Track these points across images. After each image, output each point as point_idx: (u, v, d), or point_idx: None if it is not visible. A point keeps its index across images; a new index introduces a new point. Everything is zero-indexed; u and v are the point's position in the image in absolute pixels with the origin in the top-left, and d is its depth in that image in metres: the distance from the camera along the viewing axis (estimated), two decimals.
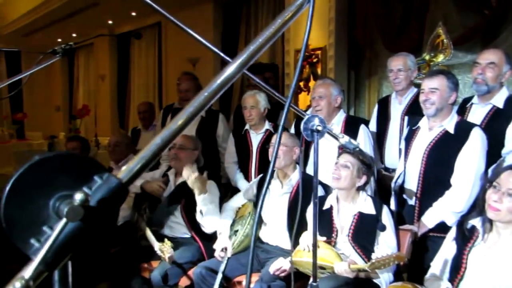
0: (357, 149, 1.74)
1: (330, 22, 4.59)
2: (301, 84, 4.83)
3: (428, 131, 2.36)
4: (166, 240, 2.62)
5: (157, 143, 0.56)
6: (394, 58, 2.98)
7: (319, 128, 1.41)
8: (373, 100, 4.46)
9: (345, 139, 1.56)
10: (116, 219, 0.53)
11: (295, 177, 2.60)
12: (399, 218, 2.48)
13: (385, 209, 2.20)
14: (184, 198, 2.87)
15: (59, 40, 8.77)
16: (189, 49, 6.14)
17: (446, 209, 2.21)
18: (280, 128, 0.77)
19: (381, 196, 2.60)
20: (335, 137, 1.60)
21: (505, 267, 1.61)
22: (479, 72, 2.47)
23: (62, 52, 2.03)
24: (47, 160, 0.50)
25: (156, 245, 2.63)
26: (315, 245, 1.46)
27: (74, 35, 8.53)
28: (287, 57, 5.06)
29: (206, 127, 3.58)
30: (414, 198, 2.38)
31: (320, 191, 2.52)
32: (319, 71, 4.67)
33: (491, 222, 1.69)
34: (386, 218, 2.17)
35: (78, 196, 0.47)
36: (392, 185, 2.54)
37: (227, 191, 3.52)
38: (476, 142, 2.20)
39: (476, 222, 1.76)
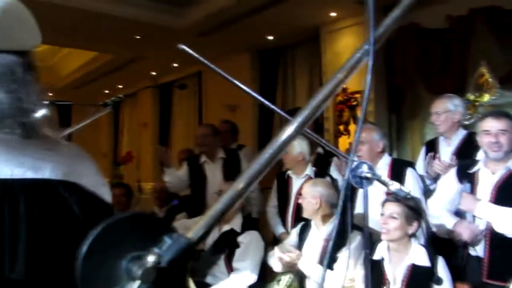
0: (409, 196, 1.68)
1: (367, 65, 4.60)
2: (341, 127, 4.81)
3: (491, 174, 2.25)
4: None
5: (223, 202, 0.55)
6: (435, 101, 2.95)
7: (368, 175, 1.36)
8: (416, 142, 4.36)
9: (395, 186, 1.51)
10: (185, 279, 0.52)
11: (332, 224, 2.54)
12: (459, 272, 2.31)
13: (440, 261, 2.08)
14: (228, 248, 2.84)
15: (107, 91, 9.25)
16: (228, 96, 6.30)
17: None
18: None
19: (435, 246, 2.46)
20: (385, 184, 1.55)
21: None
22: None
23: (112, 104, 2.14)
24: (120, 221, 0.51)
25: None
26: None
27: (120, 86, 8.98)
28: None
29: (230, 167, 3.60)
30: (482, 249, 2.21)
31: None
32: (358, 114, 4.65)
33: None
34: (442, 270, 2.04)
35: (151, 258, 0.48)
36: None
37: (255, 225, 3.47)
38: None
39: None
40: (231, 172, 3.57)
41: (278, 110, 1.64)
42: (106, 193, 0.87)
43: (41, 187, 0.76)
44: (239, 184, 0.56)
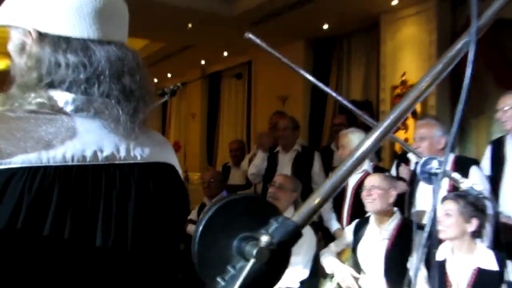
0: (481, 195, 1.56)
1: (431, 57, 4.38)
2: None
3: None
4: None
5: (326, 190, 0.54)
6: (502, 96, 2.76)
7: (438, 171, 1.25)
8: (481, 140, 4.08)
9: (466, 184, 1.38)
10: (289, 260, 0.52)
11: (393, 222, 2.42)
12: None
13: (510, 266, 1.94)
14: None
15: (156, 80, 9.41)
16: (278, 87, 6.20)
17: None
18: None
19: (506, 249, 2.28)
20: (456, 181, 1.42)
21: None
22: None
23: (170, 93, 2.10)
24: (232, 203, 0.53)
25: None
26: None
27: (169, 75, 9.10)
28: (382, 94, 4.89)
29: (301, 162, 3.67)
30: None
31: None
32: (418, 108, 4.41)
33: None
34: None
35: (265, 239, 0.48)
36: None
37: (318, 229, 3.39)
38: None
39: None
40: (300, 167, 3.67)
41: (348, 104, 1.52)
42: (181, 175, 0.95)
43: (162, 169, 0.87)
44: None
